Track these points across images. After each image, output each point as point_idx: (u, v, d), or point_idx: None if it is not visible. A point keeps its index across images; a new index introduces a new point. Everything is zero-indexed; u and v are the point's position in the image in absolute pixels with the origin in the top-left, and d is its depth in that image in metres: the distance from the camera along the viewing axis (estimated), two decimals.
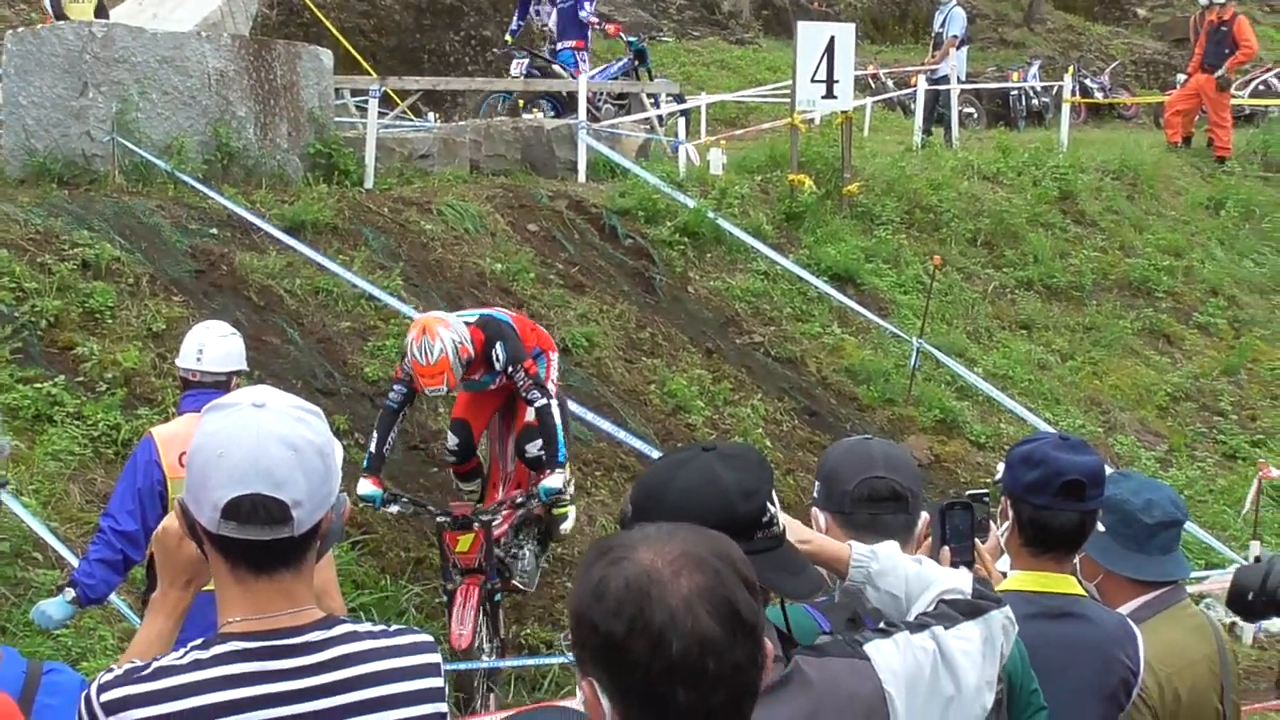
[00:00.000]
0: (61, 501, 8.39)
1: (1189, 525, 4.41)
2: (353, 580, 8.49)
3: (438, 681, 2.66)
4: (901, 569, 2.87)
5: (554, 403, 8.07)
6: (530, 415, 8.18)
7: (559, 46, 18.38)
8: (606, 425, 9.69)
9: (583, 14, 17.95)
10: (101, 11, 14.83)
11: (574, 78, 17.21)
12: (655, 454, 9.14)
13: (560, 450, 8.04)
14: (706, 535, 2.13)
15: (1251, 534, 11.23)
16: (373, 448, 8.11)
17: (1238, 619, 10.39)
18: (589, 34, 18.22)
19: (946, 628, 2.67)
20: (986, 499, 3.70)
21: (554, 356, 8.65)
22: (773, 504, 2.69)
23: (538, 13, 16.91)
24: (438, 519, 7.91)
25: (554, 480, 7.97)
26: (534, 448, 8.28)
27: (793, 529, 2.84)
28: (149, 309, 9.97)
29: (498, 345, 7.95)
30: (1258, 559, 4.05)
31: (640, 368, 11.50)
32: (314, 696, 2.53)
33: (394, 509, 8.11)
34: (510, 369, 7.95)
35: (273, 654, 2.53)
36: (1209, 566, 10.62)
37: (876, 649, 2.59)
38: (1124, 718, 3.76)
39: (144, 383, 9.39)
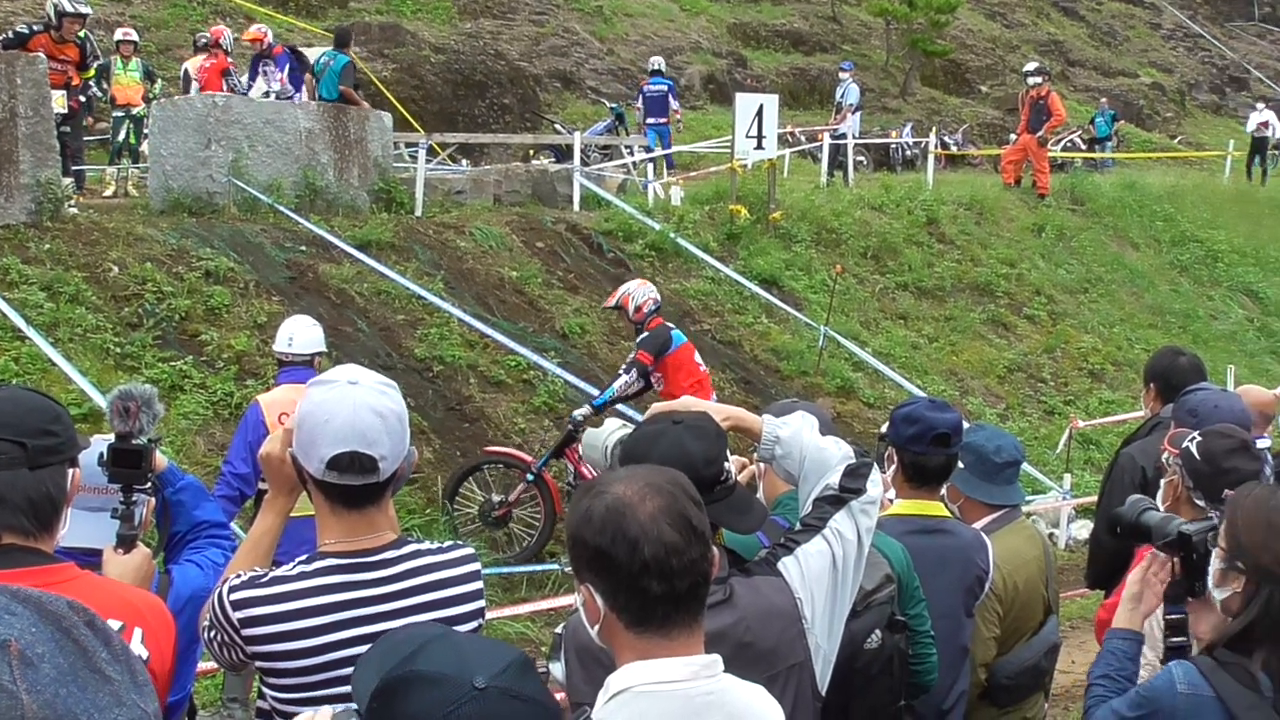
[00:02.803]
0: (191, 450, 8.35)
1: None
2: (407, 509, 8.45)
3: (479, 584, 2.63)
4: (798, 453, 2.80)
5: (625, 381, 8.47)
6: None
7: (650, 122, 19.05)
8: (595, 391, 9.65)
9: (674, 105, 19.37)
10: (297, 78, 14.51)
11: (666, 144, 18.73)
12: (635, 415, 9.09)
13: (602, 396, 8.68)
14: (663, 470, 2.11)
15: (1064, 468, 11.40)
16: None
17: (1054, 530, 10.54)
18: (667, 115, 19.10)
19: (828, 525, 2.63)
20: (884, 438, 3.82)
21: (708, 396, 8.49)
22: (728, 462, 2.65)
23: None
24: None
25: (579, 409, 8.67)
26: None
27: (713, 410, 2.80)
28: (255, 306, 9.90)
29: (648, 334, 8.49)
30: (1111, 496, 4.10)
31: (620, 349, 11.43)
32: (390, 599, 2.50)
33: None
34: (636, 347, 8.54)
35: (359, 568, 2.51)
36: (1034, 493, 10.71)
37: (784, 567, 2.57)
38: (980, 604, 3.79)
39: (251, 361, 9.34)
